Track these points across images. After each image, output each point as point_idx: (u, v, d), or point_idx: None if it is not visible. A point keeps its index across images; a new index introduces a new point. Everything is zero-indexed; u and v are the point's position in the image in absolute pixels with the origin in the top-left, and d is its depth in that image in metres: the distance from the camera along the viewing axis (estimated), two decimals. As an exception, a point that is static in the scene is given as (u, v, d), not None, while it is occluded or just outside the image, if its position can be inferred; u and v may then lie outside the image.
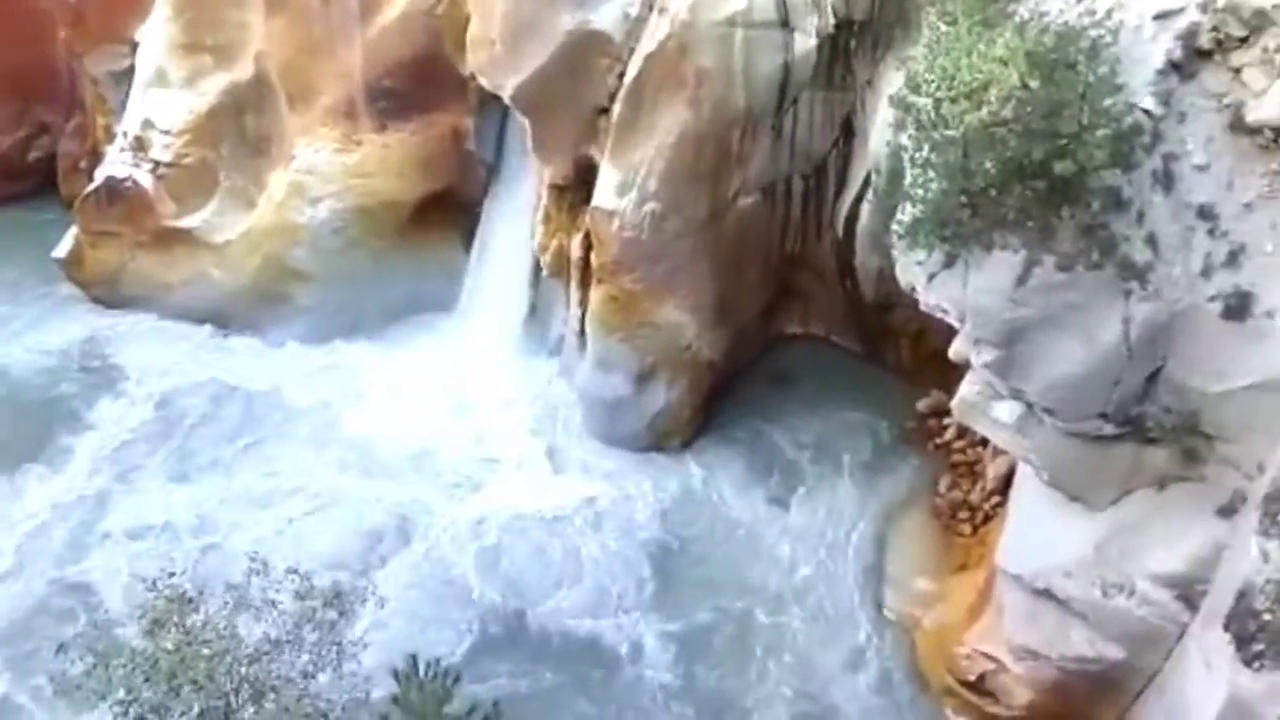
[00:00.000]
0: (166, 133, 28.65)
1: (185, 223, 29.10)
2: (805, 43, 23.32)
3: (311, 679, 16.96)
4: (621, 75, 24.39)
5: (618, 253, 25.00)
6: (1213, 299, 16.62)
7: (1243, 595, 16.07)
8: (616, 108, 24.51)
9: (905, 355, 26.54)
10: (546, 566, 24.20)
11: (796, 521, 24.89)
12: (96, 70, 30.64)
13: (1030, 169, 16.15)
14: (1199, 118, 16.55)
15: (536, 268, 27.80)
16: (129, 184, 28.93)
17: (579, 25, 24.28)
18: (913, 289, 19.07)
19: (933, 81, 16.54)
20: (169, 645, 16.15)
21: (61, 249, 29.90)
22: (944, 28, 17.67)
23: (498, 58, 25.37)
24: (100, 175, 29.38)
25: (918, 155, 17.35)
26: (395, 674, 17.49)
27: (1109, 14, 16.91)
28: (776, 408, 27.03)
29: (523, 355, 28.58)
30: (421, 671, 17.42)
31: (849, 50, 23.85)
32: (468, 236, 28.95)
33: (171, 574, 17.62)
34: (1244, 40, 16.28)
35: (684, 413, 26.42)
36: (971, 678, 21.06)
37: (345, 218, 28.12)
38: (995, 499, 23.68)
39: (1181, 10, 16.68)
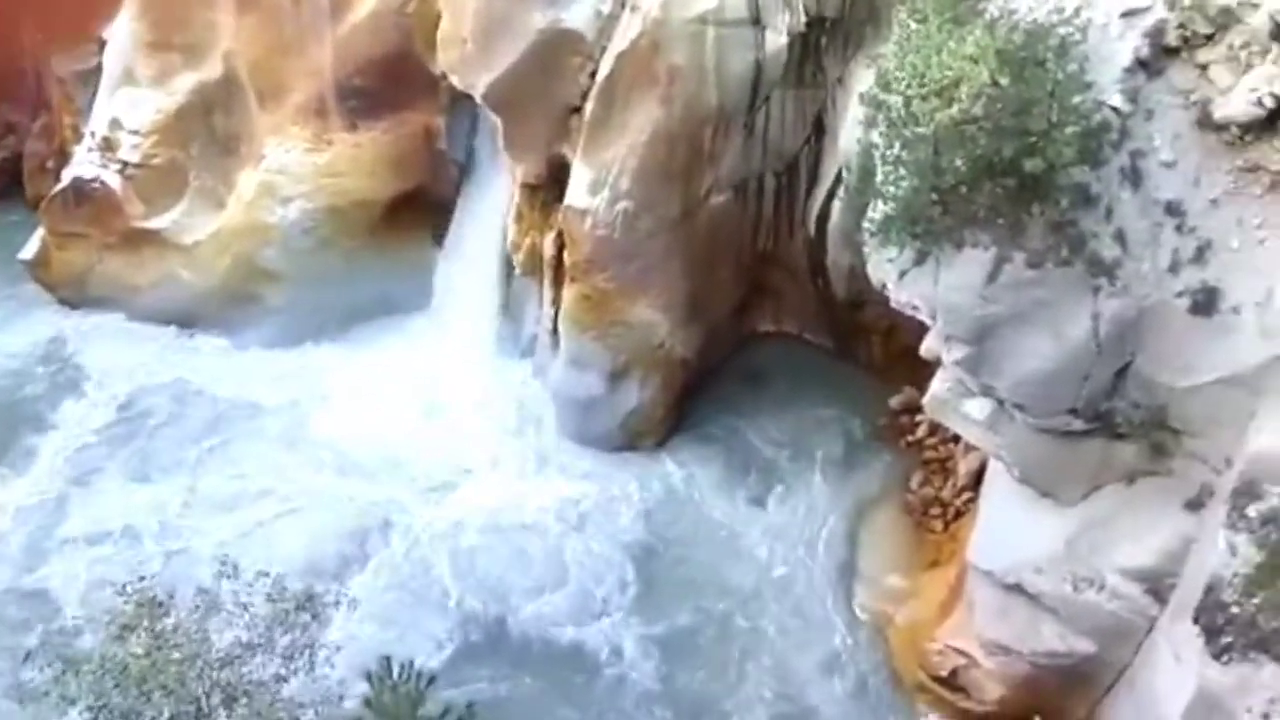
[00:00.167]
0: (135, 133, 28.37)
1: (154, 223, 28.83)
2: (776, 40, 23.34)
3: (284, 682, 16.88)
4: (594, 73, 24.34)
5: (590, 251, 24.96)
6: (1180, 294, 16.77)
7: (1211, 589, 16.23)
8: (589, 106, 24.45)
9: (877, 352, 26.62)
10: (524, 569, 24.13)
11: (772, 520, 24.93)
12: (63, 70, 30.31)
13: (1000, 166, 16.24)
14: (1166, 114, 16.69)
15: (509, 267, 27.69)
16: (96, 184, 28.64)
17: (551, 23, 24.21)
18: (884, 286, 19.15)
19: (903, 79, 16.60)
20: (139, 650, 16.06)
21: (28, 250, 29.57)
22: (914, 25, 17.71)
23: (469, 56, 25.27)
24: (67, 176, 29.06)
25: (889, 153, 17.41)
26: (368, 676, 17.43)
27: (1077, 12, 17.02)
28: (749, 406, 27.06)
29: (495, 355, 28.46)
30: (395, 673, 17.36)
31: (820, 48, 23.89)
32: (439, 236, 28.79)
33: (141, 578, 17.53)
34: (1210, 38, 16.43)
35: (657, 411, 26.42)
36: (944, 673, 21.18)
37: (316, 217, 27.92)
38: (966, 495, 23.81)
39: (1149, 8, 16.82)
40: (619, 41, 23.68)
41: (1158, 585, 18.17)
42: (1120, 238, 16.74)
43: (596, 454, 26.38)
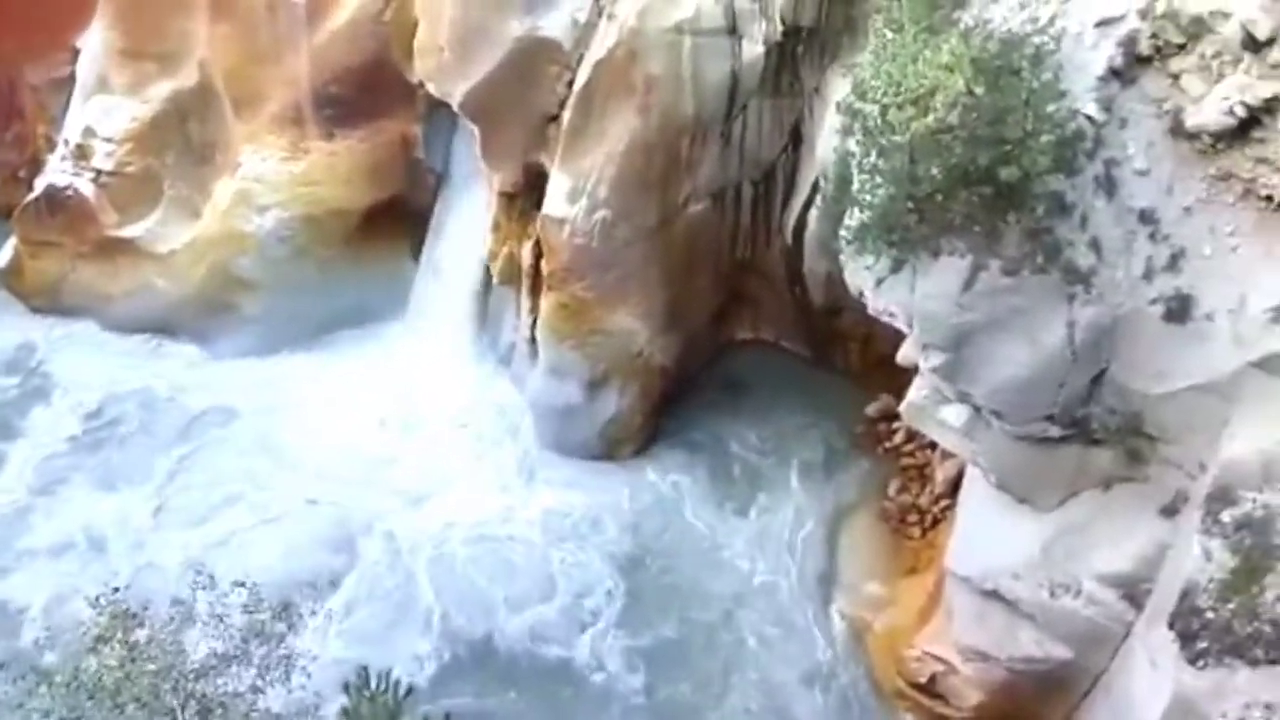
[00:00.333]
0: (109, 141, 28.15)
1: (128, 232, 28.62)
2: (753, 50, 23.39)
3: (260, 694, 16.75)
4: (571, 82, 24.33)
5: (568, 260, 24.94)
6: (1154, 302, 16.88)
7: (1186, 594, 16.31)
8: (566, 115, 24.44)
9: (854, 360, 26.69)
10: (506, 580, 24.06)
11: (753, 528, 24.95)
12: (36, 78, 30.02)
13: (976, 175, 16.29)
14: (1140, 123, 16.80)
15: (486, 276, 27.65)
16: (70, 193, 28.41)
17: (528, 32, 24.20)
18: (861, 294, 19.22)
19: (879, 88, 16.66)
20: (113, 662, 15.89)
21: (0, 259, 29.31)
22: (890, 35, 17.81)
23: (446, 65, 25.24)
24: (40, 184, 28.82)
25: (865, 161, 17.46)
26: (346, 687, 17.32)
27: (1052, 21, 17.13)
28: (728, 414, 27.07)
29: (473, 364, 28.37)
30: (373, 684, 17.26)
31: (796, 57, 23.94)
32: (416, 245, 28.71)
33: (115, 589, 17.36)
34: (1182, 47, 16.53)
35: (636, 420, 26.41)
36: (922, 680, 21.24)
37: (292, 226, 27.74)
38: (944, 502, 23.89)
39: (1122, 18, 16.90)
40: (596, 50, 23.68)
41: (1133, 591, 18.25)
42: (1095, 245, 16.84)
43: (576, 463, 26.32)
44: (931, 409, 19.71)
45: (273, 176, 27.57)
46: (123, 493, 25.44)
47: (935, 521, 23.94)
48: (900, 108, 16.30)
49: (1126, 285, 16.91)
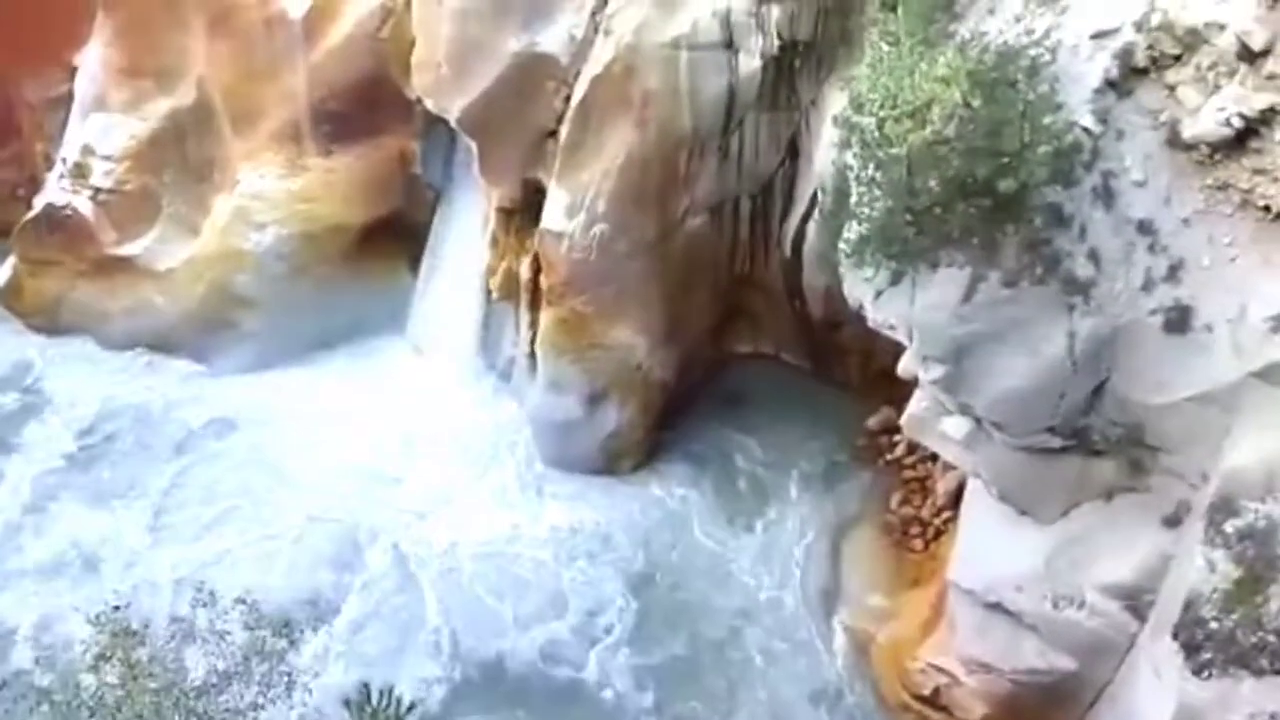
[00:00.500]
0: (107, 159, 28.21)
1: (127, 250, 28.65)
2: (750, 64, 23.43)
3: (261, 710, 16.69)
4: (568, 98, 24.38)
5: (567, 275, 24.94)
6: (1154, 313, 16.88)
7: (1190, 605, 16.27)
8: (564, 130, 24.49)
9: (854, 373, 26.68)
10: (511, 597, 23.97)
11: (758, 542, 24.91)
12: (34, 96, 30.06)
13: (973, 186, 16.32)
14: (1136, 134, 16.85)
15: (485, 291, 27.62)
16: (69, 212, 28.45)
17: (525, 48, 24.26)
18: (860, 307, 19.21)
19: (876, 101, 16.69)
20: (114, 679, 15.84)
21: (-2, 278, 29.37)
22: (886, 48, 17.87)
23: (443, 80, 25.28)
24: (39, 203, 28.88)
25: (863, 174, 17.49)
26: (347, 704, 17.24)
27: (1047, 33, 17.21)
28: (729, 428, 27.05)
29: (473, 379, 28.35)
30: (374, 700, 17.17)
31: (793, 71, 23.96)
32: (415, 260, 28.72)
33: (115, 607, 17.29)
34: (1178, 58, 16.61)
35: (636, 434, 26.37)
36: (926, 692, 21.18)
37: (291, 243, 27.76)
38: (946, 514, 23.87)
39: (1117, 30, 16.98)
40: (593, 65, 23.74)
41: (1137, 602, 18.21)
42: (1094, 257, 16.85)
43: (579, 478, 26.27)
44: (932, 421, 19.72)
45: (271, 194, 27.59)
46: (119, 509, 25.39)
47: (937, 534, 23.90)
48: (897, 120, 16.33)
49: (1126, 296, 16.91)
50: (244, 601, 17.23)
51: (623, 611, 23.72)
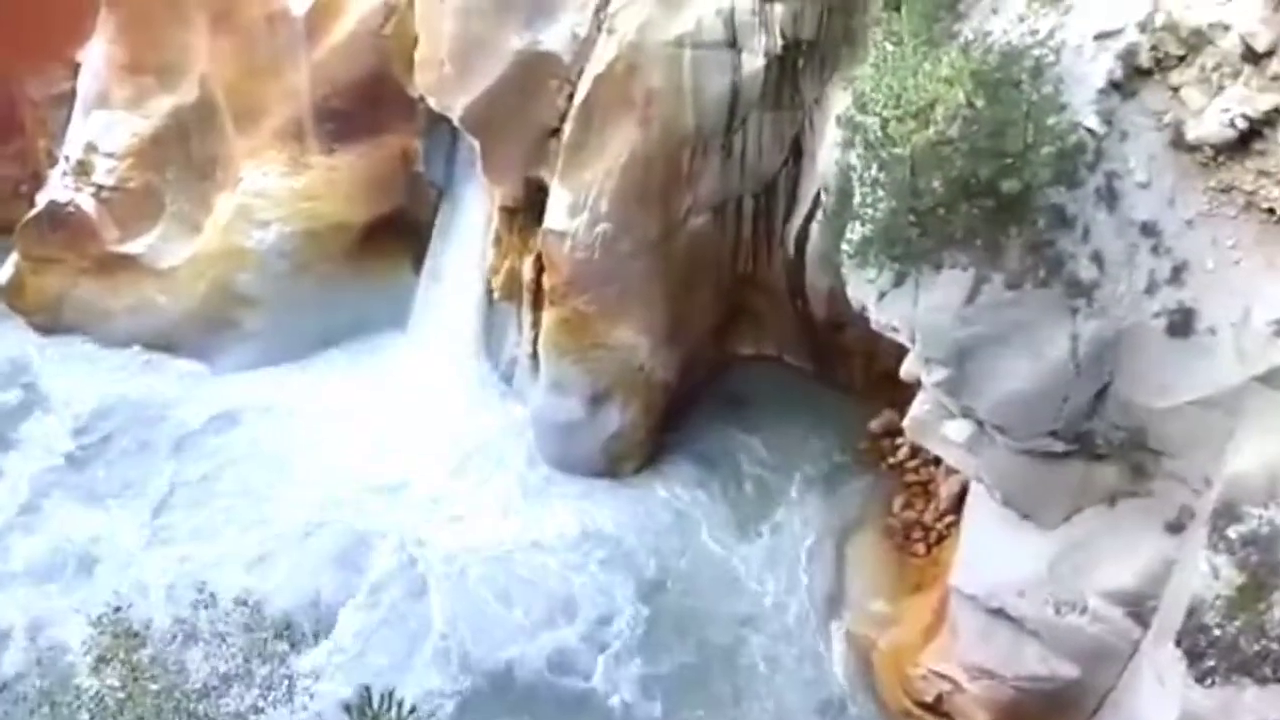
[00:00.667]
0: (110, 156, 28.17)
1: (129, 248, 28.60)
2: (753, 62, 23.31)
3: (261, 713, 16.62)
4: (571, 96, 24.28)
5: (570, 274, 24.84)
6: (1157, 315, 16.74)
7: (1193, 611, 16.14)
8: (566, 128, 24.38)
9: (857, 375, 26.52)
10: (521, 602, 23.82)
11: (763, 547, 24.77)
12: (37, 93, 30.03)
13: (977, 187, 16.18)
14: (1140, 136, 16.70)
15: (488, 290, 27.54)
16: (71, 209, 28.42)
17: (528, 46, 24.17)
18: (863, 308, 19.08)
19: (879, 101, 16.57)
20: (115, 681, 15.78)
21: (1, 275, 29.26)
22: (890, 48, 17.72)
23: (446, 78, 25.19)
24: (42, 200, 28.84)
25: (866, 174, 17.35)
26: (347, 708, 17.14)
27: (1051, 34, 17.05)
28: (732, 429, 26.90)
29: (475, 379, 28.22)
30: (375, 703, 17.07)
31: (797, 70, 23.81)
32: (417, 259, 28.62)
33: (117, 609, 17.22)
34: (1182, 59, 16.47)
35: (638, 435, 26.26)
36: (928, 699, 21.05)
37: (293, 241, 27.70)
38: (948, 519, 23.70)
39: (1121, 30, 16.84)
40: (596, 64, 23.63)
41: (1140, 608, 18.07)
42: (1097, 258, 16.71)
43: (582, 480, 26.12)
44: (935, 424, 19.58)
45: (273, 191, 27.54)
46: (118, 509, 25.31)
47: (940, 538, 23.74)
48: (901, 120, 16.22)
49: (1129, 299, 16.77)
50: (245, 603, 17.14)
51: (632, 618, 23.56)
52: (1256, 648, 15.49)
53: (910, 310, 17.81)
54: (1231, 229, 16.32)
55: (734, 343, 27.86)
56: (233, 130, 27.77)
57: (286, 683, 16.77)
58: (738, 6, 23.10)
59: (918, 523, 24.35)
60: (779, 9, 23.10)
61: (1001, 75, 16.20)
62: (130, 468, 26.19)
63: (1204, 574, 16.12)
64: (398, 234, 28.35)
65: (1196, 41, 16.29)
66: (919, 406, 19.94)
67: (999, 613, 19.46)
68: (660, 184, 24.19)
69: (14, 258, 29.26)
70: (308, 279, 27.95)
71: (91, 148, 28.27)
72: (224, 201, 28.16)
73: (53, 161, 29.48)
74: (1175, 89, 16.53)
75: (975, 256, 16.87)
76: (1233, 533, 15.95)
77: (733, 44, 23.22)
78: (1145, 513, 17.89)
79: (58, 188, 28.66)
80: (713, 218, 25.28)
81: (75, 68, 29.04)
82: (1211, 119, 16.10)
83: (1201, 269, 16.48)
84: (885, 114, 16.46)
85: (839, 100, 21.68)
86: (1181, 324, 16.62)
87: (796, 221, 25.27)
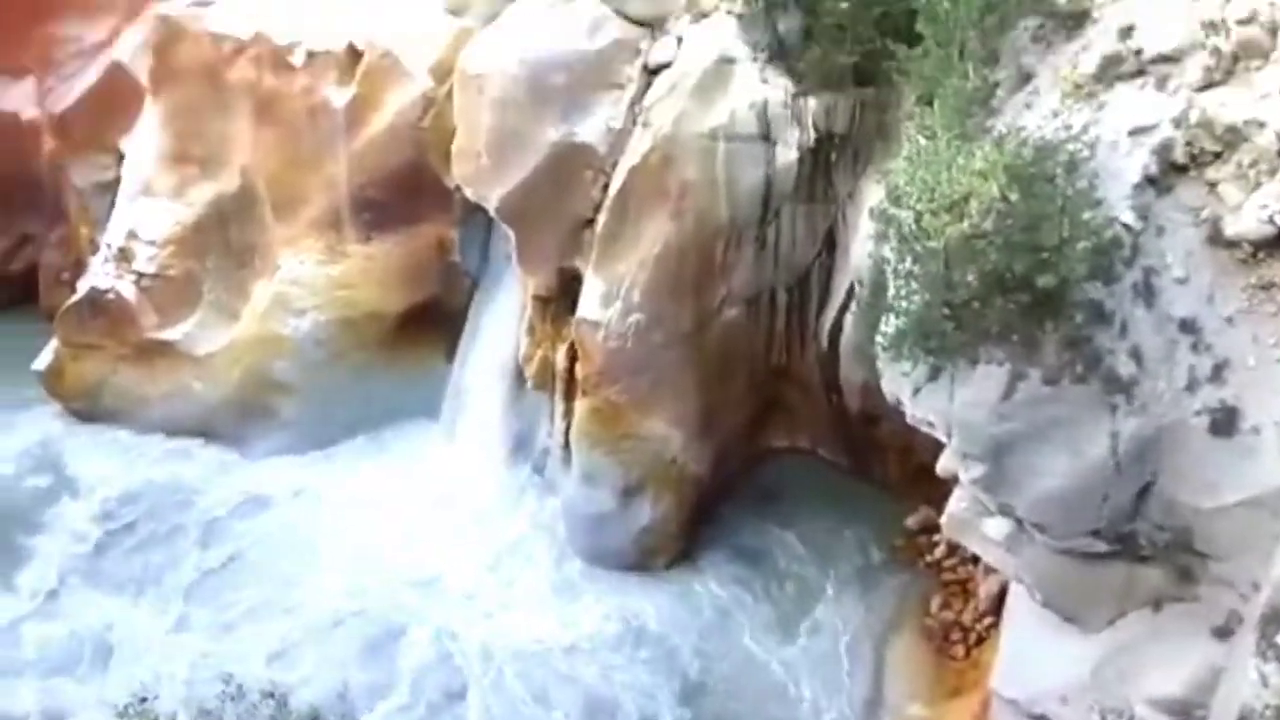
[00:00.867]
0: (151, 243, 28.54)
1: (167, 334, 28.85)
2: (787, 155, 23.41)
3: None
4: (606, 187, 24.48)
5: (602, 364, 24.76)
6: (1199, 414, 16.31)
7: (1243, 721, 15.49)
8: (601, 219, 24.53)
9: (893, 470, 26.09)
10: (563, 702, 23.24)
11: (802, 649, 24.05)
12: (81, 181, 30.63)
13: (1012, 282, 15.99)
14: (1177, 231, 16.47)
15: (520, 379, 27.49)
16: (111, 295, 28.73)
17: (563, 138, 24.43)
18: (898, 402, 18.75)
19: (913, 194, 16.48)
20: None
21: (41, 361, 29.48)
22: (923, 141, 17.72)
23: (483, 169, 25.46)
24: (83, 287, 29.16)
25: (900, 267, 17.21)
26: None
27: (1085, 129, 16.96)
28: (766, 524, 26.38)
29: (506, 469, 27.96)
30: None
31: (830, 163, 23.90)
32: (450, 348, 28.63)
33: (143, 699, 17.00)
34: (1218, 155, 16.32)
35: (670, 528, 25.86)
36: (967, 808, 20.29)
37: (329, 329, 27.89)
38: (988, 620, 23.04)
39: (1156, 126, 16.74)
40: (630, 156, 23.85)
41: (1187, 717, 17.30)
42: (1136, 355, 16.38)
43: (615, 575, 25.63)
44: (973, 522, 19.10)
45: (310, 280, 27.80)
46: (144, 596, 25.07)
47: (979, 640, 23.05)
48: (935, 214, 16.09)
49: (1170, 396, 16.39)
50: (272, 695, 16.86)
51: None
52: (1310, 762, 14.81)
53: (946, 405, 17.49)
54: (1273, 326, 15.95)
55: (767, 436, 27.53)
56: (272, 219, 28.16)
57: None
58: (771, 100, 23.28)
59: (956, 623, 23.67)
60: (812, 103, 23.27)
61: (1036, 170, 16.09)
62: (156, 554, 26.01)
63: (1253, 682, 15.45)
64: (432, 322, 28.45)
65: (1232, 138, 16.15)
66: (956, 503, 19.49)
67: (1042, 719, 18.78)
68: (693, 275, 24.18)
69: (54, 344, 29.50)
70: (342, 366, 28.07)
71: (133, 235, 28.67)
72: (261, 289, 28.44)
73: (95, 249, 29.87)
74: (1212, 185, 16.34)
75: (1011, 351, 16.58)
76: (1282, 640, 15.34)
77: (766, 137, 23.34)
78: (1191, 617, 17.25)
79: (99, 274, 29.02)
80: (746, 309, 25.19)
81: (119, 157, 29.64)
82: (1249, 215, 15.87)
83: (1243, 366, 16.09)
84: (919, 207, 16.35)
85: (872, 193, 21.65)
86: (1224, 423, 16.18)
87: (830, 314, 25.12)
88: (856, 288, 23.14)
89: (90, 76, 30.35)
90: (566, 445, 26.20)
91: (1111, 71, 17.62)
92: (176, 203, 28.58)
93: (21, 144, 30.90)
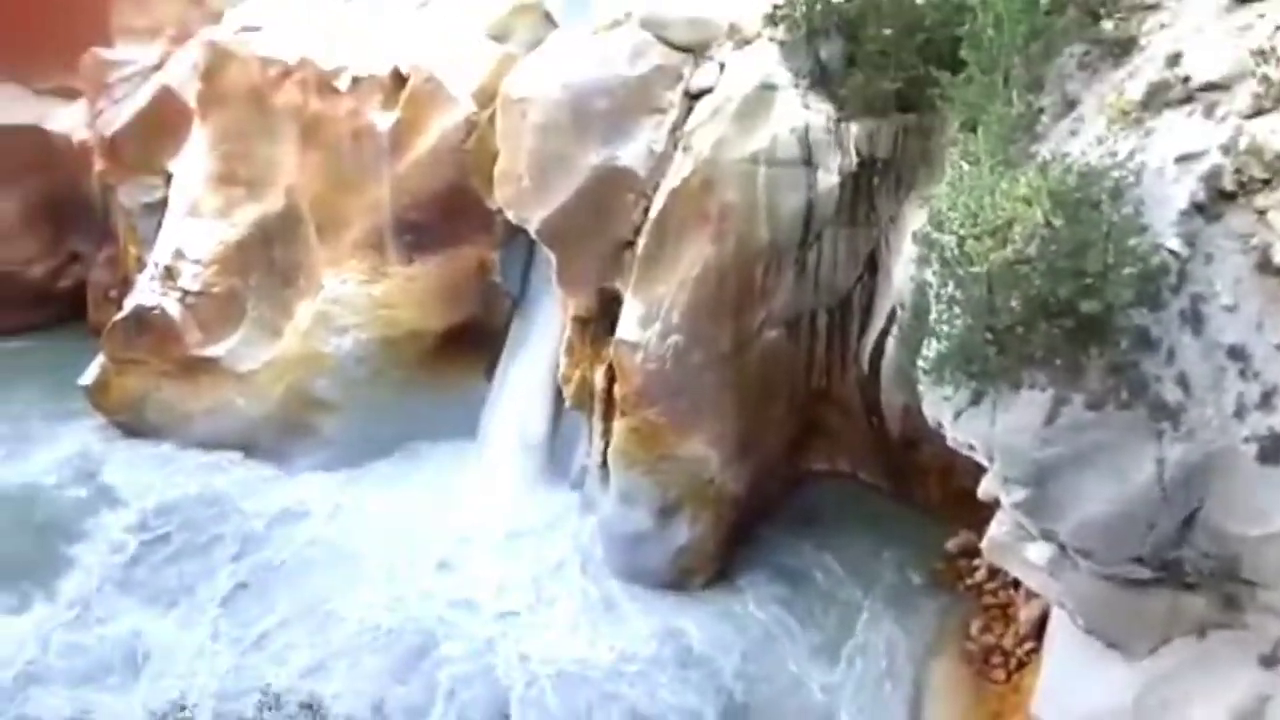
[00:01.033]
0: (196, 262, 29.08)
1: (211, 351, 29.31)
2: (828, 180, 23.51)
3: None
4: (646, 210, 24.63)
5: (641, 385, 24.86)
6: (1247, 441, 16.18)
7: (1290, 753, 15.35)
8: (641, 241, 24.67)
9: (933, 493, 25.99)
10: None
11: (844, 672, 23.82)
12: (130, 201, 31.25)
13: (1056, 307, 16.00)
14: (1226, 259, 16.38)
15: (559, 399, 27.68)
16: (157, 312, 29.27)
17: (605, 161, 24.64)
18: (939, 425, 18.74)
19: (956, 219, 16.55)
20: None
21: (87, 376, 30.05)
22: (966, 167, 17.77)
23: (524, 192, 25.69)
24: (129, 304, 29.74)
25: (942, 291, 17.26)
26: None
27: (1131, 155, 16.93)
28: (804, 545, 26.32)
29: (544, 488, 28.18)
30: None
31: (872, 188, 23.96)
32: (490, 367, 28.91)
33: (183, 708, 17.19)
34: (1267, 183, 16.21)
35: (707, 548, 25.87)
36: (1007, 835, 20.14)
37: (370, 348, 28.24)
38: (1029, 644, 22.84)
39: (1204, 153, 16.68)
40: (671, 179, 24.00)
41: (1234, 747, 17.22)
42: (1183, 381, 16.31)
43: (654, 593, 25.60)
44: (1014, 546, 19.01)
45: (352, 299, 28.13)
46: (181, 609, 25.25)
47: (1020, 665, 22.87)
48: (978, 239, 16.15)
49: (1217, 423, 16.28)
50: (310, 706, 17.01)
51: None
52: (1359, 795, 14.65)
53: (988, 429, 17.46)
54: (1323, 356, 15.90)
55: (807, 458, 27.54)
56: (315, 239, 28.55)
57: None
58: (812, 125, 23.39)
59: (997, 647, 23.47)
60: (854, 128, 23.35)
61: (1080, 195, 16.10)
62: (197, 567, 26.26)
63: (1301, 713, 15.38)
64: (472, 342, 28.70)
65: (1281, 166, 16.11)
66: (998, 527, 19.41)
67: (1083, 747, 18.68)
68: (733, 297, 24.27)
69: (100, 359, 30.08)
70: (383, 385, 28.36)
71: (179, 254, 29.20)
72: (304, 308, 28.81)
73: (141, 267, 30.51)
74: (1261, 212, 16.24)
75: (1055, 376, 16.56)
76: (1331, 670, 15.21)
77: (808, 161, 23.45)
78: (1238, 645, 17.09)
79: (145, 292, 29.57)
80: (786, 332, 25.24)
81: (167, 178, 30.16)
82: (1300, 243, 15.82)
83: (1293, 395, 16.03)
84: (962, 232, 16.42)
85: (915, 218, 21.69)
86: (1273, 451, 16.05)
87: (871, 337, 25.13)
88: (898, 311, 23.13)
89: (140, 100, 31.08)
90: (604, 465, 26.28)
91: (1159, 98, 17.61)
92: (222, 222, 29.08)
93: (72, 165, 31.60)
